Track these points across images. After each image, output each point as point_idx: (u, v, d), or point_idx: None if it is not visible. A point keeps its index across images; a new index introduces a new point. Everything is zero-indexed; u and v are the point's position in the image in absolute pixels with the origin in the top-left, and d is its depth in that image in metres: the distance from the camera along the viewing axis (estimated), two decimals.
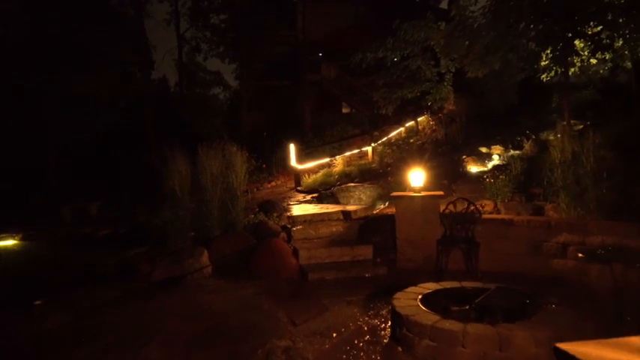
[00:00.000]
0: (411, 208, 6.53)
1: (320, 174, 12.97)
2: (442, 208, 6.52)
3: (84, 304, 5.40)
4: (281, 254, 6.45)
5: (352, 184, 10.66)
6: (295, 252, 6.63)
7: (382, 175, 12.25)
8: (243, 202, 7.24)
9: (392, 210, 8.08)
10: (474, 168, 12.37)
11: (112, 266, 6.45)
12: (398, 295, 4.44)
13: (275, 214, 7.56)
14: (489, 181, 7.93)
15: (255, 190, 12.83)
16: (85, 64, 15.06)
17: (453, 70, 14.63)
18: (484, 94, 17.74)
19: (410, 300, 4.27)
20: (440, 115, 16.27)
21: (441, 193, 6.75)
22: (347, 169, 13.23)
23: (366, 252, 6.76)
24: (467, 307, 4.22)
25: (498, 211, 7.32)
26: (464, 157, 12.83)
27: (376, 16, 20.12)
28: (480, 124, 16.00)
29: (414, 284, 5.33)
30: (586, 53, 7.37)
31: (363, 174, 12.49)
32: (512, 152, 12.84)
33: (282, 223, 7.38)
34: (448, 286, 4.70)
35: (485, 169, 12.25)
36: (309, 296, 5.48)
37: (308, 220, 7.50)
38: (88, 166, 15.72)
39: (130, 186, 12.78)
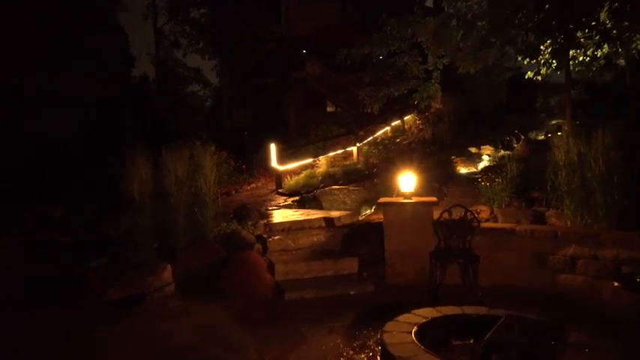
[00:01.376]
0: (402, 216, 5.75)
1: (302, 175, 12.15)
2: (435, 215, 5.78)
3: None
4: (255, 269, 5.61)
5: (336, 187, 9.86)
6: (271, 266, 5.81)
7: (368, 177, 11.48)
8: (213, 209, 6.38)
9: (379, 217, 7.30)
10: (463, 169, 11.66)
11: (58, 282, 5.54)
12: (389, 326, 3.64)
13: (250, 222, 6.72)
14: (484, 184, 7.19)
15: (234, 192, 11.96)
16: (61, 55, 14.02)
17: (441, 67, 13.96)
18: (472, 92, 17.13)
19: (403, 333, 3.47)
20: (427, 114, 15.56)
21: (434, 199, 5.99)
22: (331, 170, 12.43)
23: (350, 265, 5.96)
24: (471, 340, 3.47)
25: (495, 219, 6.58)
26: (453, 157, 12.12)
27: (363, 13, 19.31)
28: (469, 124, 15.35)
29: (406, 306, 4.55)
30: (590, 50, 6.67)
31: (348, 175, 11.71)
32: (502, 152, 12.18)
33: (258, 232, 6.55)
34: (447, 313, 3.91)
35: (475, 170, 11.57)
36: (286, 321, 4.66)
37: (287, 228, 6.68)
38: (58, 167, 14.64)
39: (101, 189, 11.81)
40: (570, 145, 5.84)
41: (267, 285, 5.56)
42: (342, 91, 20.73)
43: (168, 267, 5.63)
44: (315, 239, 6.39)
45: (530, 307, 4.93)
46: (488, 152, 12.48)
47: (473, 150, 12.71)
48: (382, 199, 6.04)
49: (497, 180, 7.07)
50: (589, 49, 6.61)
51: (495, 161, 11.66)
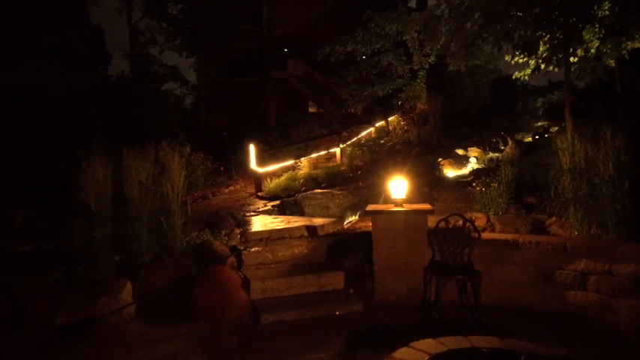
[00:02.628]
0: (393, 227, 5.09)
1: (283, 178, 11.43)
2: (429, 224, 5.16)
3: None
4: (227, 287, 4.88)
5: (319, 191, 9.18)
6: (246, 283, 5.09)
7: (352, 180, 10.83)
8: (182, 217, 5.63)
9: (366, 224, 6.65)
10: (450, 172, 11.11)
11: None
12: None
13: (224, 232, 5.99)
14: (479, 189, 6.59)
15: (211, 195, 11.19)
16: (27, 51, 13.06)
17: (427, 66, 13.42)
18: (456, 93, 16.66)
19: None
20: (412, 114, 15.00)
21: (429, 206, 5.35)
22: (313, 172, 11.75)
23: (336, 280, 5.28)
24: None
25: (493, 227, 5.98)
26: (439, 159, 11.54)
27: (346, 12, 18.64)
28: (454, 125, 14.84)
29: (399, 330, 3.95)
30: (594, 44, 6.11)
31: (332, 178, 11.04)
32: (490, 154, 11.67)
33: (233, 243, 5.82)
34: (453, 347, 3.25)
35: (463, 172, 11.04)
36: (260, 351, 3.96)
37: (265, 238, 5.97)
38: (22, 169, 13.64)
39: (69, 193, 10.90)
40: (577, 147, 5.26)
41: (241, 305, 4.84)
42: (325, 91, 20.11)
43: (128, 285, 4.87)
44: (297, 251, 5.69)
45: (539, 331, 4.35)
46: (476, 154, 11.95)
47: (460, 152, 12.16)
48: (370, 207, 5.37)
49: (493, 185, 6.47)
50: (593, 44, 6.07)
51: (485, 164, 11.16)
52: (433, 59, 13.02)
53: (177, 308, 4.83)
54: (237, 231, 6.16)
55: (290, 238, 6.06)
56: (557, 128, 14.00)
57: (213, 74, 17.99)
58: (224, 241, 5.77)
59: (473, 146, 12.37)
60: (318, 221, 6.62)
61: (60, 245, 5.41)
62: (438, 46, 7.64)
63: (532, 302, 4.79)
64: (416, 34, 13.35)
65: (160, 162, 5.70)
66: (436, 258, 5.05)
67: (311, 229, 6.21)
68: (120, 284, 4.85)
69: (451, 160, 11.61)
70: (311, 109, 22.77)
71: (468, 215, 6.31)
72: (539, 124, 15.32)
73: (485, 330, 4.39)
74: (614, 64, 7.62)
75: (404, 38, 13.12)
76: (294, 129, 15.91)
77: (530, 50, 6.28)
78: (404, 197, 5.31)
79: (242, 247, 5.62)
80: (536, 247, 4.82)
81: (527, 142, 11.89)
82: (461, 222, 4.85)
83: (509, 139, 13.92)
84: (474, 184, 6.76)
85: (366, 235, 5.83)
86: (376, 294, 5.15)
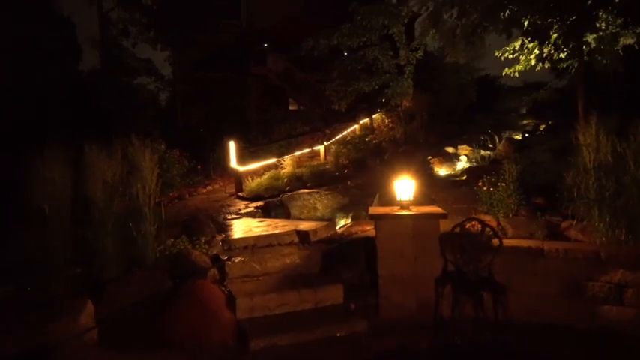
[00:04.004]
0: (400, 233, 4.40)
1: (266, 177, 10.65)
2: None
3: None
4: (209, 305, 4.11)
5: (306, 191, 8.44)
6: (231, 300, 4.32)
7: (340, 179, 10.12)
8: (155, 223, 4.81)
9: (363, 229, 5.95)
10: (441, 171, 10.52)
11: None
12: None
13: (204, 238, 5.19)
14: (486, 189, 5.97)
15: (188, 196, 10.33)
16: None
17: (414, 61, 12.81)
18: (441, 91, 16.16)
19: None
20: (398, 112, 14.39)
21: (440, 209, 4.67)
22: (297, 171, 11.00)
23: (334, 295, 4.56)
24: None
25: (504, 231, 5.35)
26: (429, 158, 10.96)
27: (328, 7, 17.92)
28: (440, 123, 14.33)
29: (415, 357, 3.28)
30: (610, 31, 5.56)
31: (317, 177, 10.32)
32: (482, 153, 11.13)
33: (214, 252, 5.03)
34: None
35: (455, 171, 10.47)
36: None
37: (250, 245, 5.20)
38: None
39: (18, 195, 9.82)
40: (602, 143, 4.68)
41: (225, 327, 4.07)
42: (306, 88, 19.35)
43: (90, 305, 4.04)
44: (288, 260, 4.94)
45: (572, 353, 3.74)
46: (466, 152, 11.41)
47: (450, 150, 11.60)
48: (373, 210, 4.67)
49: (501, 185, 5.86)
50: (609, 31, 5.52)
51: (478, 162, 10.62)
52: (420, 54, 12.45)
53: (149, 332, 4.02)
54: (219, 237, 5.37)
55: (279, 245, 5.30)
56: (543, 126, 13.66)
57: (190, 69, 17.01)
58: (204, 250, 4.97)
59: (462, 144, 11.84)
60: (308, 225, 5.88)
61: (6, 258, 4.52)
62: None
63: (559, 318, 4.18)
64: (403, 28, 12.80)
65: (130, 159, 4.87)
66: (448, 268, 4.40)
67: (302, 235, 5.47)
68: (80, 304, 4.01)
69: (441, 158, 11.04)
70: (291, 107, 21.95)
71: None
72: (525, 122, 14.92)
73: (513, 356, 3.76)
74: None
75: (390, 32, 12.51)
76: (276, 126, 15.11)
77: (541, 37, 5.69)
78: (411, 199, 4.63)
79: (225, 257, 4.83)
80: (565, 256, 4.21)
81: (518, 140, 11.40)
82: (479, 227, 4.20)
83: (501, 137, 13.49)
84: (479, 184, 6.12)
85: (366, 242, 5.15)
86: (381, 310, 4.45)
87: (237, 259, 4.80)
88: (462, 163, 10.80)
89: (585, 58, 5.93)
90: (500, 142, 13.36)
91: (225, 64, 17.98)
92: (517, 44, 7.33)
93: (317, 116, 17.37)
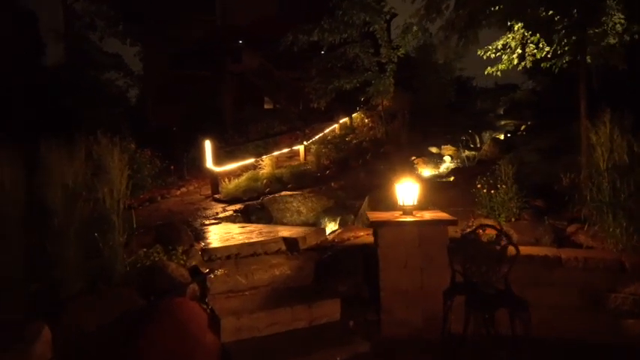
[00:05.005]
0: (404, 241, 3.92)
1: (244, 178, 10.05)
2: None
3: None
4: (189, 328, 3.53)
5: (288, 193, 7.89)
6: (215, 320, 3.74)
7: (322, 180, 9.62)
8: (124, 232, 4.18)
9: (355, 235, 5.46)
10: (426, 171, 10.18)
11: None
12: None
13: (181, 248, 4.58)
14: (485, 192, 5.57)
15: (160, 198, 9.62)
16: None
17: (395, 59, 12.43)
18: (420, 90, 15.89)
19: None
20: (379, 111, 14.01)
21: (448, 215, 4.21)
22: (277, 171, 10.44)
23: (330, 311, 4.04)
24: None
25: (509, 237, 4.95)
26: (413, 158, 10.59)
27: (305, 5, 17.39)
28: (421, 123, 14.01)
29: None
30: (615, 25, 5.23)
31: (298, 178, 9.79)
32: (466, 153, 10.84)
33: (193, 263, 4.43)
34: None
35: (439, 172, 10.14)
36: None
37: (233, 255, 4.64)
38: None
39: None
40: (616, 142, 4.33)
41: (208, 353, 3.50)
42: (283, 87, 18.77)
43: (47, 331, 3.38)
44: (277, 272, 4.39)
45: None
46: (450, 153, 11.12)
47: (434, 150, 11.29)
48: (374, 216, 4.16)
49: (501, 186, 5.47)
50: (614, 24, 5.20)
51: (463, 162, 10.31)
52: (402, 52, 12.08)
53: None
54: (198, 246, 4.78)
55: (265, 254, 4.76)
56: (524, 127, 13.52)
57: (162, 65, 16.16)
58: (181, 262, 4.37)
59: (446, 144, 11.55)
60: (296, 231, 5.35)
61: None
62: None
63: (579, 332, 3.78)
64: (385, 24, 12.42)
65: (95, 160, 4.23)
66: (457, 279, 3.96)
67: (290, 242, 4.94)
68: (34, 330, 3.36)
69: (425, 158, 10.71)
70: (267, 106, 21.30)
71: (475, 222, 5.31)
72: (504, 122, 14.79)
73: None
74: None
75: (372, 29, 12.10)
76: (252, 126, 14.48)
77: (545, 31, 5.33)
78: (415, 204, 4.16)
79: (206, 270, 4.25)
80: (584, 266, 3.82)
81: (503, 140, 11.17)
82: (493, 234, 3.77)
83: (482, 138, 13.29)
84: (478, 186, 5.72)
85: (363, 250, 4.66)
86: (383, 327, 3.96)
87: (220, 272, 4.22)
88: (447, 164, 10.49)
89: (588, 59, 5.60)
90: (480, 142, 13.18)
91: (200, 61, 17.20)
92: (500, 43, 7.07)
93: (294, 115, 16.83)
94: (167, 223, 5.46)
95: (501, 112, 16.74)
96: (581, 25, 5.27)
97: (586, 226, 4.54)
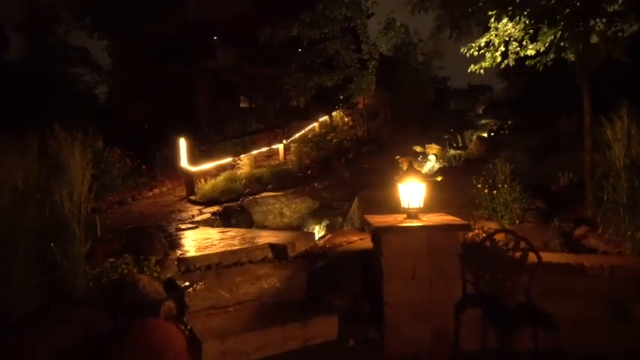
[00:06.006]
0: (411, 249, 3.44)
1: (221, 178, 9.45)
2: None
3: None
4: (165, 355, 2.95)
5: (270, 194, 7.34)
6: (195, 344, 3.17)
7: (304, 180, 9.11)
8: (86, 241, 3.56)
9: (348, 239, 4.96)
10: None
11: None
12: None
13: (154, 258, 3.98)
14: (487, 192, 5.17)
15: (131, 200, 8.91)
16: None
17: (377, 56, 12.04)
18: (400, 89, 15.55)
19: None
20: (361, 108, 13.59)
21: (459, 220, 3.74)
22: (256, 171, 9.88)
23: (327, 328, 3.53)
24: None
25: (529, 243, 4.55)
26: (398, 157, 10.18)
27: (280, 1, 16.82)
28: (401, 121, 13.67)
29: None
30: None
31: (279, 178, 9.25)
32: (452, 152, 10.50)
33: (168, 275, 3.85)
34: None
35: (425, 171, 9.75)
36: None
37: (214, 264, 4.07)
38: None
39: None
40: (634, 139, 3.97)
41: None
42: (259, 84, 18.16)
43: None
44: (265, 284, 3.85)
45: None
46: (435, 152, 10.76)
47: (418, 149, 10.91)
48: (376, 221, 3.66)
49: (503, 186, 5.08)
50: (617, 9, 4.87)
51: (450, 161, 9.96)
52: (384, 48, 11.72)
53: None
54: (174, 256, 4.19)
55: (250, 262, 4.21)
56: (506, 125, 13.32)
57: (132, 60, 15.27)
58: (155, 274, 3.77)
59: (430, 143, 11.19)
60: (284, 237, 4.81)
61: None
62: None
63: (605, 348, 3.39)
64: (367, 20, 12.01)
65: (53, 158, 3.59)
66: (467, 290, 3.52)
67: (278, 249, 4.40)
68: None
69: (409, 157, 10.28)
70: (242, 104, 20.64)
71: (477, 225, 4.90)
72: (484, 121, 14.60)
73: None
74: None
75: (353, 24, 11.68)
76: (228, 124, 13.83)
77: (550, 20, 4.95)
78: (421, 206, 3.69)
79: (183, 283, 3.67)
80: (611, 274, 3.41)
81: (489, 139, 10.90)
82: (514, 242, 3.34)
83: (464, 136, 13.03)
84: (479, 186, 5.31)
85: (359, 258, 4.17)
86: (387, 345, 3.46)
87: (200, 285, 3.65)
88: (432, 163, 10.12)
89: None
90: (463, 141, 12.91)
91: (172, 57, 16.36)
92: (483, 40, 6.78)
93: (271, 114, 16.26)
94: (138, 228, 4.84)
95: (480, 112, 16.62)
96: (585, 14, 4.91)
97: (600, 229, 4.17)
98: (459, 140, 12.81)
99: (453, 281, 3.44)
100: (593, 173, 4.99)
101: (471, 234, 4.55)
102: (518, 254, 3.35)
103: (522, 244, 3.38)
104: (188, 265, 4.02)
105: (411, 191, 3.65)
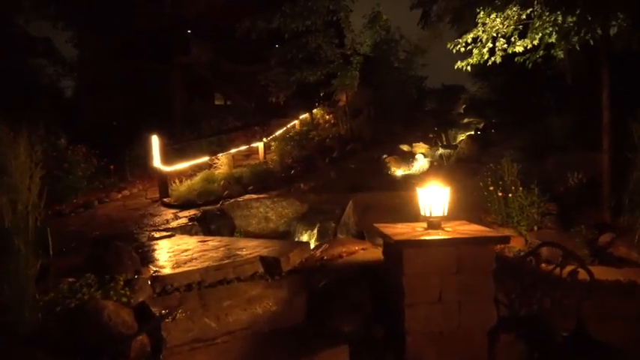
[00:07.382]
0: (436, 267, 2.84)
1: (198, 178, 8.69)
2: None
3: None
4: None
5: (253, 197, 6.68)
6: None
7: (288, 181, 8.45)
8: (34, 260, 2.82)
9: (348, 249, 4.33)
10: (399, 171, 9.26)
11: None
12: None
13: (122, 277, 3.26)
14: (497, 195, 4.65)
15: (97, 203, 8.06)
16: None
17: (361, 51, 11.48)
18: (382, 87, 15.05)
19: None
20: (342, 106, 13.00)
21: (491, 231, 3.17)
22: (235, 171, 9.16)
23: None
24: None
25: (579, 259, 4.03)
26: (385, 156, 9.65)
27: None
28: (383, 120, 13.19)
29: None
30: None
31: (260, 179, 8.56)
32: (441, 151, 10.03)
33: (140, 299, 3.13)
34: None
35: (413, 171, 9.26)
36: None
37: (196, 283, 3.38)
38: None
39: None
40: None
41: None
42: (235, 81, 17.33)
43: None
44: (259, 309, 3.18)
45: None
46: (423, 151, 10.28)
47: (405, 148, 10.41)
48: (392, 232, 3.05)
49: (517, 189, 4.56)
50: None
51: (439, 161, 9.47)
52: (368, 44, 11.17)
53: None
54: (147, 273, 3.47)
55: (238, 280, 3.53)
56: (491, 124, 12.99)
57: (101, 53, 14.22)
58: (124, 299, 3.05)
59: (417, 142, 10.71)
60: (274, 247, 4.15)
61: None
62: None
63: None
64: (351, 12, 11.41)
65: None
66: (500, 313, 2.95)
67: (270, 263, 3.75)
68: None
69: (396, 157, 9.79)
70: (217, 102, 19.77)
71: (490, 233, 4.35)
72: (467, 120, 14.28)
73: None
74: None
75: (336, 17, 11.07)
76: (204, 121, 13.01)
77: (568, 5, 4.48)
78: (445, 214, 3.10)
79: (160, 311, 2.97)
80: None
81: (479, 138, 10.48)
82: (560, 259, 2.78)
83: (448, 135, 12.63)
84: (490, 188, 4.78)
85: (366, 272, 3.56)
86: None
87: (180, 313, 2.95)
88: (420, 163, 9.62)
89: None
90: (447, 139, 12.51)
91: (145, 52, 15.35)
92: (470, 36, 6.36)
93: (249, 111, 15.49)
94: (104, 241, 4.08)
95: (461, 111, 16.32)
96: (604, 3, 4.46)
97: (637, 237, 3.68)
98: (444, 139, 12.41)
99: (485, 304, 2.86)
100: (612, 174, 4.54)
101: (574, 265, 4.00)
102: (565, 271, 2.79)
103: (573, 264, 2.83)
104: (164, 285, 3.31)
105: (433, 197, 3.06)
